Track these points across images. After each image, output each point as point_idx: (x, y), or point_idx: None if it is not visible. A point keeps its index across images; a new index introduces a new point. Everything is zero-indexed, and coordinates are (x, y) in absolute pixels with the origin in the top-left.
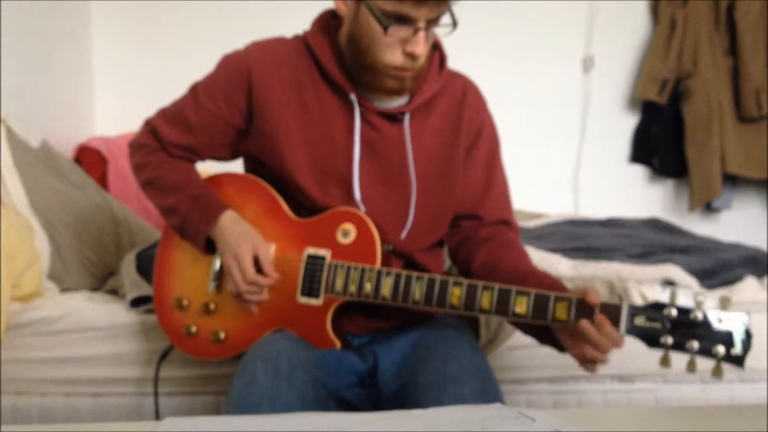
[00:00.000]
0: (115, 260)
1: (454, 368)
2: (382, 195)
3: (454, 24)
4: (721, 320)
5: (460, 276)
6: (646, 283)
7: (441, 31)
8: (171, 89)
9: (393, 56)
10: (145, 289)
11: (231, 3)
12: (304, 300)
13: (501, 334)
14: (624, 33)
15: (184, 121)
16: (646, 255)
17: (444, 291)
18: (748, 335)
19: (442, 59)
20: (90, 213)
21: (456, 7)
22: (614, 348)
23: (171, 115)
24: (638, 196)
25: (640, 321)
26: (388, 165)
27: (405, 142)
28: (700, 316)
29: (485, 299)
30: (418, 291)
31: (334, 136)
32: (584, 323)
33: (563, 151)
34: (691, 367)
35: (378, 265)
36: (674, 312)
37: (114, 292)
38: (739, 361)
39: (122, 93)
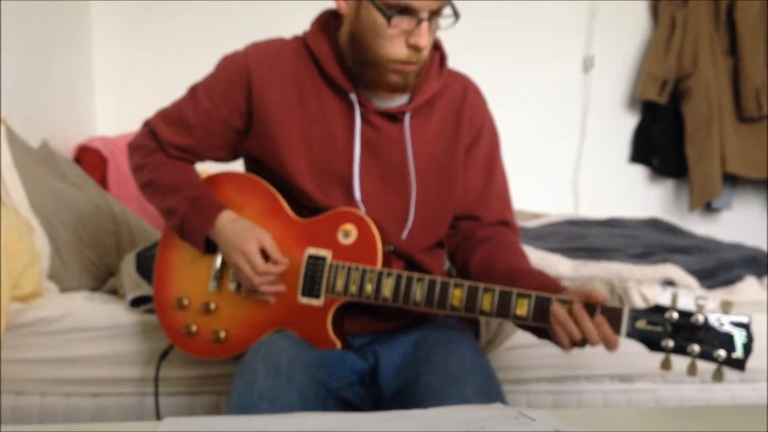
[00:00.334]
0: (115, 260)
1: (456, 368)
2: (382, 195)
3: (456, 15)
4: (722, 323)
5: (458, 277)
6: (646, 283)
7: (443, 23)
8: (171, 89)
9: (396, 50)
10: (145, 289)
11: (231, 3)
12: (304, 300)
13: (501, 334)
14: (624, 33)
15: (183, 122)
16: (646, 255)
17: (445, 292)
18: (750, 339)
19: (443, 59)
20: (90, 213)
21: (458, 5)
22: (607, 349)
23: (170, 116)
24: (638, 196)
25: (641, 324)
26: (388, 165)
27: (405, 142)
28: (701, 319)
29: (486, 301)
30: (419, 292)
31: (335, 136)
32: (578, 306)
33: (563, 151)
34: (691, 370)
35: (379, 265)
36: (675, 315)
37: (114, 292)
38: (740, 364)
39: (122, 93)
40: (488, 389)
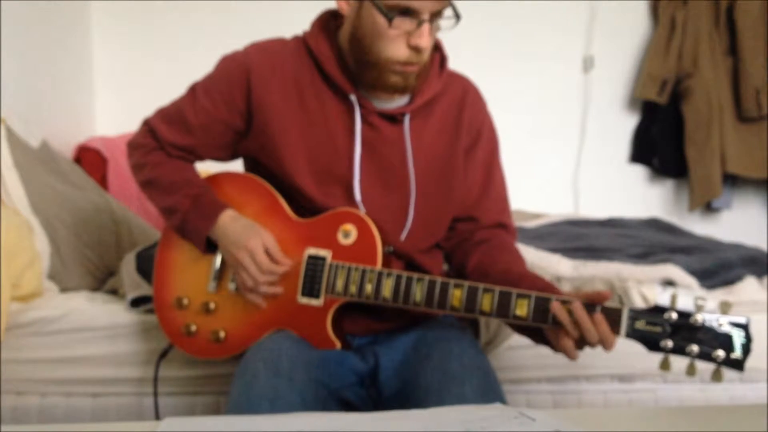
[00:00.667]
0: (115, 260)
1: (455, 368)
2: (382, 196)
3: (457, 17)
4: (721, 324)
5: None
6: (646, 283)
7: (444, 24)
8: (171, 89)
9: (398, 50)
10: (145, 289)
11: (231, 3)
12: (304, 300)
13: (501, 334)
14: (624, 33)
15: (182, 122)
16: (646, 255)
17: (445, 293)
18: (748, 339)
19: (443, 60)
20: (90, 213)
21: (458, 6)
22: (603, 348)
23: (169, 115)
24: (638, 196)
25: (640, 325)
26: (388, 166)
27: (405, 143)
28: (700, 320)
29: (486, 301)
30: (418, 292)
31: (334, 137)
32: (577, 305)
33: (563, 151)
34: (690, 370)
35: (379, 266)
36: (674, 316)
37: (114, 292)
38: (738, 365)
39: (122, 93)
40: (487, 388)
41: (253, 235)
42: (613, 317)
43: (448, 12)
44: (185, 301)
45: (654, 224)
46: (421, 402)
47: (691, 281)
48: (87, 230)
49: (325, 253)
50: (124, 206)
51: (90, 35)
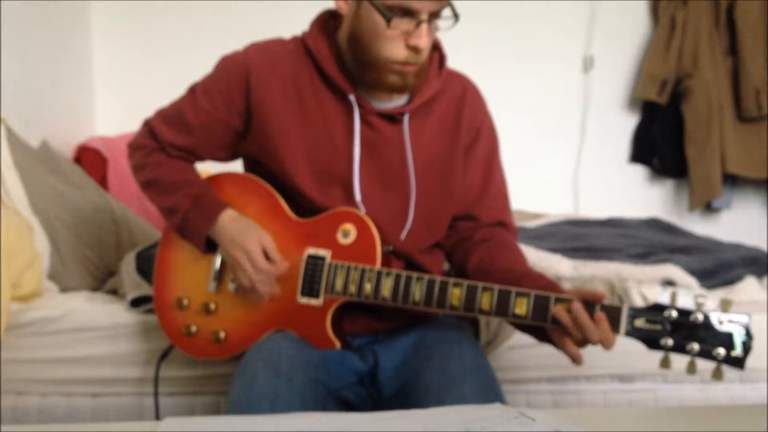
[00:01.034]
0: (115, 260)
1: (455, 368)
2: (381, 196)
3: (456, 17)
4: (721, 322)
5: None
6: (646, 283)
7: (443, 24)
8: (171, 89)
9: (396, 51)
10: (145, 289)
11: (231, 3)
12: (304, 300)
13: (501, 334)
14: (624, 33)
15: (182, 122)
16: (646, 255)
17: (444, 292)
18: (749, 337)
19: (442, 59)
20: (90, 213)
21: (457, 6)
22: (603, 347)
23: (169, 115)
24: (638, 196)
25: (640, 323)
26: (387, 166)
27: (404, 143)
28: (700, 317)
29: (485, 300)
30: (418, 292)
31: (334, 137)
32: (577, 305)
33: (563, 151)
34: (691, 368)
35: (378, 265)
36: (674, 314)
37: (114, 292)
38: (739, 363)
39: (122, 93)
40: (487, 389)
41: (250, 235)
42: (612, 316)
43: (446, 12)
44: (185, 302)
45: (654, 224)
46: (421, 402)
47: (691, 281)
48: (87, 230)
49: (324, 252)
50: (124, 206)
51: (90, 35)
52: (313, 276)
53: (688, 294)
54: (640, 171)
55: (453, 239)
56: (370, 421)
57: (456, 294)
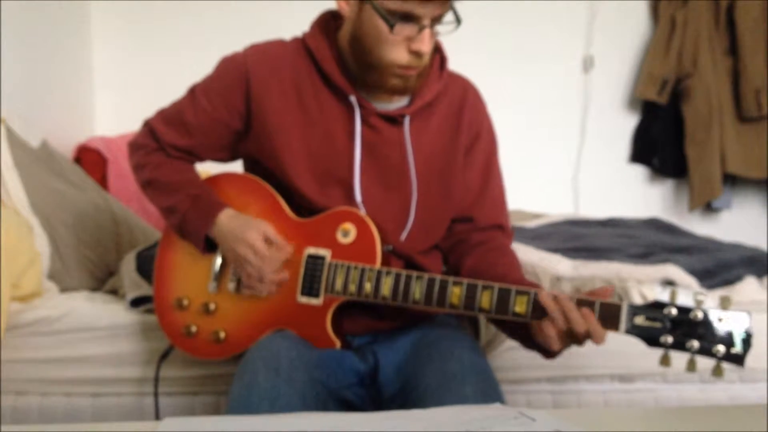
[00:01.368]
0: (115, 260)
1: (454, 368)
2: (382, 197)
3: (458, 21)
4: (721, 319)
5: None
6: (646, 283)
7: (444, 29)
8: (171, 89)
9: (398, 55)
10: (145, 289)
11: (231, 3)
12: (304, 300)
13: (501, 335)
14: (624, 33)
15: (182, 123)
16: (646, 255)
17: (444, 290)
18: (749, 334)
19: (443, 61)
20: (90, 213)
21: (458, 6)
22: (593, 341)
23: (169, 116)
24: (638, 196)
25: (639, 320)
26: (388, 167)
27: (405, 145)
28: (700, 315)
29: (485, 299)
30: (417, 290)
31: (334, 138)
32: (564, 296)
33: (563, 151)
34: (691, 366)
35: (378, 264)
36: (674, 311)
37: (114, 292)
38: (739, 360)
39: (122, 93)
40: (487, 389)
41: (249, 227)
42: (612, 313)
43: (448, 17)
44: (185, 302)
45: (654, 224)
46: (421, 402)
47: (691, 281)
48: (87, 230)
49: (324, 252)
50: (124, 206)
51: (90, 35)
52: (313, 275)
53: (687, 294)
54: (640, 171)
55: (449, 241)
56: (370, 421)
57: (456, 293)
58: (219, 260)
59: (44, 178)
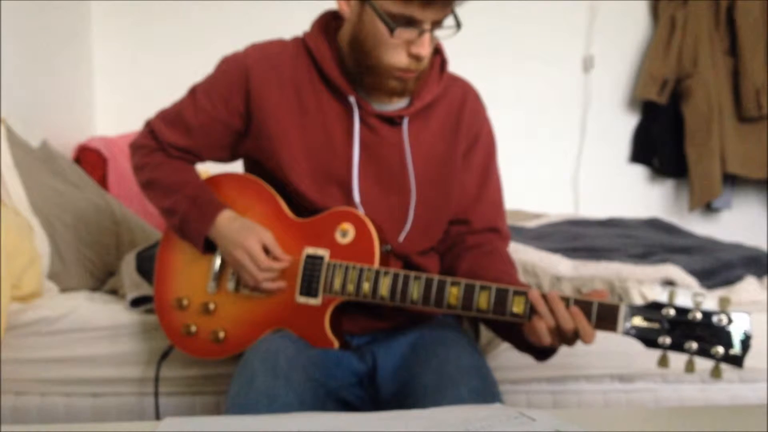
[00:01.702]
0: (115, 260)
1: (453, 369)
2: (380, 198)
3: (458, 26)
4: (720, 320)
5: None
6: (646, 283)
7: (444, 33)
8: (171, 89)
9: (398, 58)
10: (145, 289)
11: (231, 3)
12: (302, 299)
13: None
14: (624, 33)
15: (182, 123)
16: (646, 255)
17: (442, 291)
18: (747, 335)
19: (443, 63)
20: (90, 213)
21: (458, 8)
22: (582, 341)
23: (170, 116)
24: (638, 196)
25: (637, 321)
26: (387, 168)
27: (404, 146)
28: (698, 316)
29: (483, 299)
30: (416, 291)
31: (333, 138)
32: (553, 292)
33: (563, 151)
34: (689, 367)
35: (376, 264)
36: (672, 312)
37: (114, 292)
38: (737, 361)
39: (122, 93)
40: (484, 390)
41: (250, 233)
42: (610, 314)
43: (448, 20)
44: (185, 302)
45: (654, 224)
46: (419, 402)
47: (691, 281)
48: (87, 230)
49: (322, 252)
50: (124, 206)
51: (90, 35)
52: (311, 275)
53: (686, 294)
54: (640, 171)
55: (444, 243)
56: (369, 421)
57: (454, 293)
58: (218, 260)
59: (44, 178)
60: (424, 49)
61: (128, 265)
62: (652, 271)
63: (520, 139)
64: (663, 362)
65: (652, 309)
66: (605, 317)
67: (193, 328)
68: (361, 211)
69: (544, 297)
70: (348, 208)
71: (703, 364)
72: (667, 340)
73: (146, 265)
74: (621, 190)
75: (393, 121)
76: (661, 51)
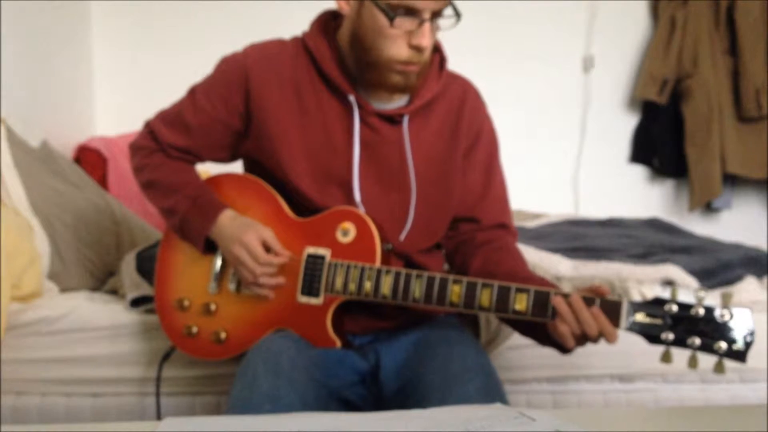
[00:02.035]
0: (115, 260)
1: (458, 367)
2: (381, 197)
3: (458, 16)
4: (722, 316)
5: None
6: (646, 283)
7: (444, 24)
8: (171, 89)
9: (398, 50)
10: (145, 289)
11: (231, 3)
12: (304, 299)
13: (501, 334)
14: (624, 33)
15: (182, 124)
16: (646, 255)
17: (444, 289)
18: (750, 330)
19: (442, 61)
20: (90, 213)
21: (458, 5)
22: (606, 341)
23: (170, 117)
24: (638, 196)
25: (640, 317)
26: (387, 167)
27: (404, 144)
28: (701, 311)
29: (485, 297)
30: (417, 289)
31: (333, 137)
32: (576, 297)
33: (563, 151)
34: (692, 363)
35: (378, 263)
36: (675, 308)
37: (114, 292)
38: (740, 356)
39: (122, 93)
40: (490, 388)
41: (249, 230)
42: (612, 310)
43: (448, 11)
44: (186, 303)
45: (654, 224)
46: (423, 402)
47: (691, 281)
48: (87, 230)
49: (324, 251)
50: (124, 206)
51: (90, 35)
52: (312, 275)
53: (688, 292)
54: (640, 171)
55: (454, 241)
56: (370, 421)
57: (456, 291)
58: (219, 261)
59: (44, 178)
60: (425, 40)
61: (128, 265)
62: (652, 271)
63: (520, 139)
64: (666, 358)
65: (654, 305)
66: (608, 314)
67: (195, 329)
68: (361, 210)
69: (568, 302)
70: (349, 207)
71: (706, 360)
72: (670, 336)
73: (146, 265)
74: (621, 190)
75: (393, 119)
76: (661, 51)
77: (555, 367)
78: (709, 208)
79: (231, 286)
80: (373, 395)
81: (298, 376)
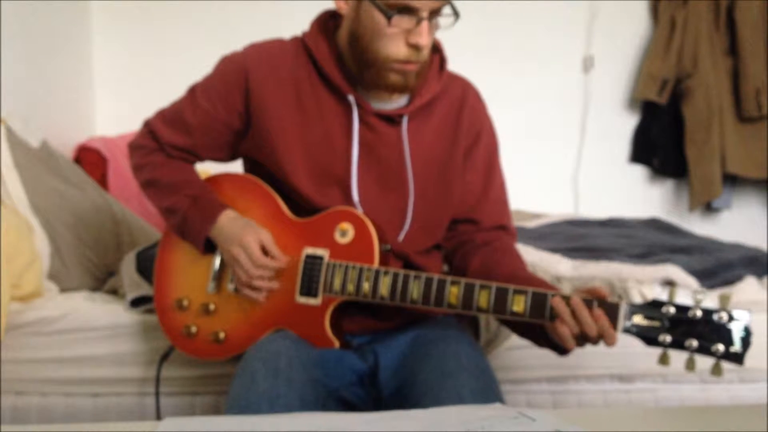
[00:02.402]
0: (115, 260)
1: (452, 365)
2: (380, 197)
3: (456, 14)
4: (720, 318)
5: None
6: (646, 283)
7: (443, 23)
8: (171, 89)
9: (397, 49)
10: (145, 289)
11: (231, 3)
12: (302, 300)
13: (501, 335)
14: (624, 33)
15: (182, 123)
16: (646, 255)
17: (442, 290)
18: (748, 332)
19: (442, 62)
20: (90, 213)
21: (458, 5)
22: (605, 343)
23: (169, 116)
24: (638, 196)
25: (638, 319)
26: (386, 167)
27: (403, 145)
28: (698, 313)
29: (483, 298)
30: (416, 290)
31: (332, 137)
32: (576, 299)
33: (563, 151)
34: (690, 365)
35: (376, 264)
36: (672, 310)
37: (114, 292)
38: (738, 358)
39: (122, 93)
40: (484, 387)
41: (248, 231)
42: (610, 312)
43: (446, 10)
44: (185, 303)
45: (654, 224)
46: (419, 400)
47: (691, 281)
48: (87, 230)
49: (322, 252)
50: (124, 206)
51: (90, 35)
52: (311, 275)
53: (686, 292)
54: (640, 171)
55: (454, 242)
56: (369, 421)
57: (454, 292)
58: (218, 261)
59: (44, 178)
60: (423, 38)
61: (128, 265)
62: (652, 271)
63: (520, 139)
64: (663, 360)
65: (652, 307)
66: (605, 316)
67: (194, 329)
68: (360, 211)
69: (568, 303)
70: (347, 207)
71: (704, 362)
72: (668, 338)
73: (146, 265)
74: (621, 190)
75: (392, 119)
76: (661, 51)
77: (555, 368)
78: (709, 208)
79: (230, 287)
80: (372, 395)
81: (296, 376)
